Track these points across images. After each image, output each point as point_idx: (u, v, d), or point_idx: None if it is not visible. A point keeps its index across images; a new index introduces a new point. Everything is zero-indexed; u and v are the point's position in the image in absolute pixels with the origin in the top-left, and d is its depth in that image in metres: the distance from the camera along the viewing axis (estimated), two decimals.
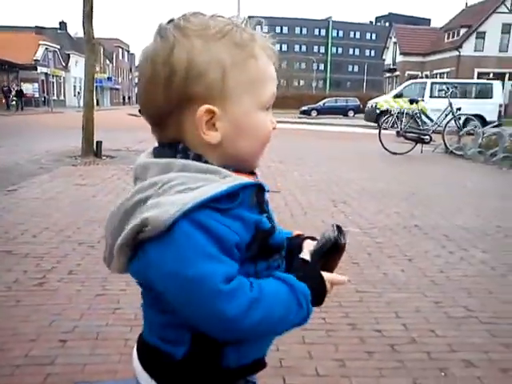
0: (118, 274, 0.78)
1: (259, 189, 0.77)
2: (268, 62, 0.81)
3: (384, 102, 19.66)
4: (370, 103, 20.38)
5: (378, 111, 19.32)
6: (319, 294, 0.79)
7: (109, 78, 62.68)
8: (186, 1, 50.12)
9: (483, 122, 13.67)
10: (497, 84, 19.01)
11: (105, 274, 2.76)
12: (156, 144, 0.80)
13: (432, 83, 18.91)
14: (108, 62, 63.90)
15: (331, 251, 0.82)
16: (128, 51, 76.48)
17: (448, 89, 12.01)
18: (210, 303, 0.66)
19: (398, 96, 19.26)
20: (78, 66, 48.76)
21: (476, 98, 17.70)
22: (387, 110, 17.87)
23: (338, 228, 0.83)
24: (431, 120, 10.95)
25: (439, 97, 16.53)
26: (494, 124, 10.44)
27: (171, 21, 0.75)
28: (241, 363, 0.79)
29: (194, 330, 0.73)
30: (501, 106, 17.69)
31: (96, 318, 2.21)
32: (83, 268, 2.86)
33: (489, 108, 16.82)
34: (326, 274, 0.81)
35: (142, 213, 0.68)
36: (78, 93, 47.63)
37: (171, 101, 0.72)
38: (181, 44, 0.72)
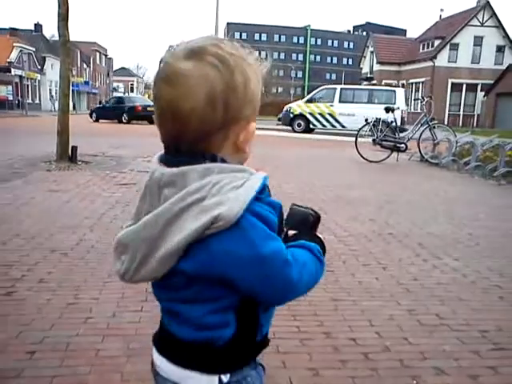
0: (147, 281, 0.84)
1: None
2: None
3: (297, 106, 21.06)
4: (286, 107, 21.74)
5: (291, 115, 20.80)
6: (323, 248, 0.97)
7: (86, 82, 61.93)
8: (163, 8, 49.90)
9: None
10: (399, 90, 20.66)
11: (77, 282, 2.71)
12: (159, 152, 0.90)
13: (341, 89, 20.75)
14: (85, 65, 63.17)
15: (315, 223, 1.01)
16: (106, 55, 75.73)
17: (423, 98, 12.22)
18: (282, 272, 0.81)
19: (310, 101, 20.75)
20: (53, 69, 48.03)
21: (381, 103, 18.44)
22: (300, 114, 20.40)
23: (300, 206, 1.03)
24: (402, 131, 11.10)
25: (347, 102, 19.65)
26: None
27: (214, 45, 0.83)
28: (262, 336, 0.90)
29: (237, 311, 0.84)
30: (403, 111, 19.18)
31: (66, 328, 2.16)
32: (55, 276, 2.80)
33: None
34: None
35: (205, 212, 0.76)
36: (52, 96, 46.86)
37: (226, 120, 0.81)
38: (238, 70, 0.83)
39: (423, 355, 2.09)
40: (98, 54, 69.89)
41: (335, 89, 20.83)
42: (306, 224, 1.01)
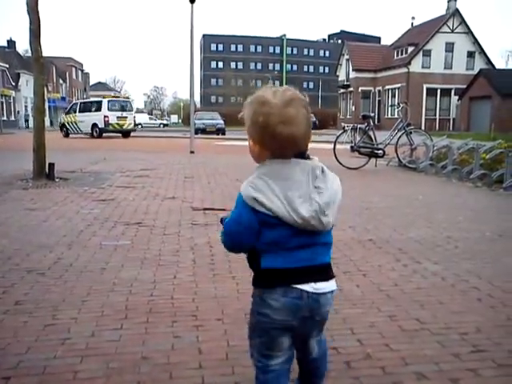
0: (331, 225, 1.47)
1: None
2: None
3: (62, 117, 28.48)
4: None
5: (60, 124, 28.47)
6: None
7: (62, 98, 61.39)
8: (137, 20, 49.86)
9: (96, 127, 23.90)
10: (105, 100, 25.17)
11: (55, 302, 2.66)
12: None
13: (80, 103, 27.71)
14: (61, 81, 62.65)
15: None
16: (82, 70, 75.28)
17: (399, 104, 12.40)
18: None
19: (68, 113, 27.07)
20: (28, 85, 47.47)
21: (95, 111, 24.66)
22: (63, 123, 27.18)
23: None
24: None
25: (83, 111, 25.31)
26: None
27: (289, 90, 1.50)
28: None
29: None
30: (105, 116, 24.01)
31: (43, 351, 2.11)
32: (31, 297, 2.75)
33: (99, 118, 23.90)
34: None
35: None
36: (28, 115, 46.27)
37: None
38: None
39: (404, 361, 2.10)
40: (73, 69, 69.42)
41: (77, 103, 27.96)
42: None
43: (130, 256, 3.62)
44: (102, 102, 24.70)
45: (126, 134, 24.68)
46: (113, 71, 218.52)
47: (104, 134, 24.31)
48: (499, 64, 49.44)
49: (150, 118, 70.32)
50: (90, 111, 24.81)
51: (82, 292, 2.83)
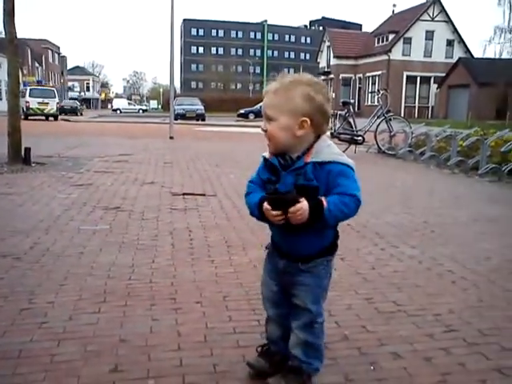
0: None
1: (266, 161, 1.67)
2: None
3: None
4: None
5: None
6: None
7: (38, 82, 60.03)
8: (116, 4, 48.95)
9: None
10: (28, 89, 28.15)
11: (31, 286, 2.63)
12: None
13: (25, 89, 27.56)
14: (37, 64, 61.22)
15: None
16: (59, 53, 73.62)
17: (379, 91, 12.46)
18: None
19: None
20: (2, 67, 46.31)
21: (22, 97, 23.74)
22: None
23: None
24: None
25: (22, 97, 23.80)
26: None
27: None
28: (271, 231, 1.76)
29: None
30: (57, 103, 28.83)
31: (19, 335, 2.09)
32: (7, 282, 2.71)
33: (23, 103, 23.35)
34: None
35: None
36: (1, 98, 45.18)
37: None
38: None
39: (380, 341, 2.14)
40: (50, 52, 67.84)
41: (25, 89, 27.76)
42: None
43: (108, 240, 3.59)
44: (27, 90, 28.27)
45: (48, 117, 27.74)
46: (91, 55, 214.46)
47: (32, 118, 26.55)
48: (478, 53, 50.02)
49: (129, 103, 69.53)
50: (23, 97, 26.11)
51: (59, 276, 2.80)
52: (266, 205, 1.55)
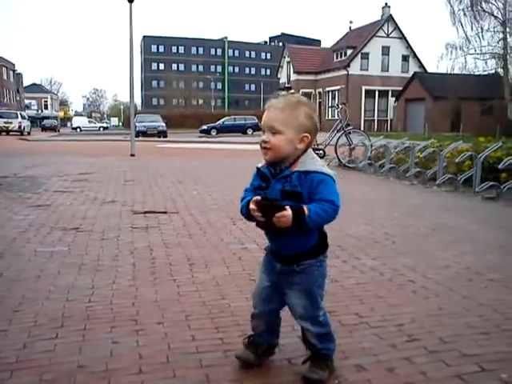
0: None
1: (258, 171, 1.89)
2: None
3: None
4: None
5: None
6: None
7: None
8: (74, 21, 48.46)
9: None
10: None
11: None
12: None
13: None
14: None
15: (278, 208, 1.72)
16: (14, 70, 71.79)
17: (338, 105, 12.70)
18: None
19: None
20: None
21: None
22: None
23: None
24: None
25: None
26: None
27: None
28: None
29: None
30: (19, 122, 35.22)
31: None
32: None
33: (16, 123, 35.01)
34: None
35: None
36: None
37: None
38: None
39: (344, 354, 2.14)
40: (4, 68, 66.01)
41: None
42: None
43: (67, 262, 3.48)
44: None
45: (9, 132, 34.76)
46: (49, 72, 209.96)
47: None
48: (432, 68, 51.83)
49: (89, 121, 68.28)
50: None
51: (14, 302, 2.69)
52: (252, 205, 1.74)
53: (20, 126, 35.74)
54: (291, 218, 1.70)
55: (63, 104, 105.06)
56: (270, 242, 1.96)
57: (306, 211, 1.71)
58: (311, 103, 1.90)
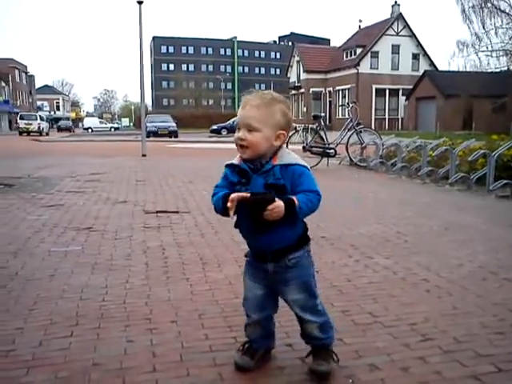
0: None
1: (235, 167, 1.85)
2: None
3: None
4: None
5: None
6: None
7: (5, 102, 59.02)
8: (85, 23, 48.93)
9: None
10: (19, 114, 41.14)
11: None
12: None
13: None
14: (3, 83, 60.19)
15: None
16: (26, 72, 72.56)
17: (349, 104, 12.64)
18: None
19: None
20: None
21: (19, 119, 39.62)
22: None
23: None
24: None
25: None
26: None
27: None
28: (242, 237, 1.96)
29: None
30: (16, 122, 40.14)
31: None
32: None
33: (36, 124, 39.66)
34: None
35: None
36: None
37: None
38: None
39: (358, 354, 2.14)
40: (16, 71, 66.78)
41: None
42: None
43: (80, 262, 3.51)
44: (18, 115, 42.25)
45: (29, 133, 38.22)
46: (60, 74, 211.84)
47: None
48: (443, 66, 51.49)
49: (100, 121, 68.72)
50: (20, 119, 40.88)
51: (29, 301, 2.72)
52: (230, 204, 1.73)
53: (39, 127, 39.34)
54: (283, 209, 1.72)
55: (74, 105, 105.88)
56: (252, 242, 1.92)
57: (296, 202, 1.74)
58: (285, 100, 1.89)
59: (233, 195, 1.74)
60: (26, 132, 38.39)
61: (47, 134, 39.70)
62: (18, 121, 40.33)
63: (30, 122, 39.50)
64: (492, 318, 2.54)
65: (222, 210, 1.81)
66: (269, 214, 1.71)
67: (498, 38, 30.95)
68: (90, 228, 4.59)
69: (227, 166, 1.88)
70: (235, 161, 1.87)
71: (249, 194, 1.73)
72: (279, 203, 1.71)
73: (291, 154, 1.87)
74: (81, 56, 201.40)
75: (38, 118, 40.94)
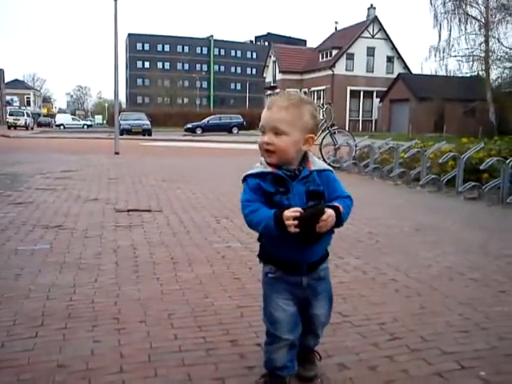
0: None
1: (267, 175, 1.67)
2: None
3: None
4: None
5: None
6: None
7: None
8: (58, 17, 48.36)
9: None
10: (8, 110, 45.08)
11: None
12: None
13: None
14: None
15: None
16: None
17: (323, 105, 12.73)
18: (241, 206, 1.68)
19: None
20: None
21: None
22: None
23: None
24: None
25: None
26: None
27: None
28: (271, 251, 1.78)
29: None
30: (6, 117, 44.65)
31: None
32: None
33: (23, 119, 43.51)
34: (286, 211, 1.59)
35: None
36: None
37: None
38: None
39: (327, 353, 2.14)
40: None
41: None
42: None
43: (48, 260, 3.44)
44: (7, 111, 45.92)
45: (16, 127, 41.89)
46: (32, 68, 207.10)
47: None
48: (417, 69, 52.39)
49: (73, 118, 67.56)
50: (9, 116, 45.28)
51: None
52: (291, 221, 1.56)
53: (26, 122, 43.83)
54: (335, 219, 1.62)
55: (46, 101, 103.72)
56: (289, 256, 1.73)
57: (341, 209, 1.66)
58: (313, 101, 1.79)
59: (288, 214, 1.56)
60: (13, 126, 42.28)
61: (32, 129, 44.16)
62: (8, 116, 45.33)
63: (18, 117, 44.18)
64: (458, 317, 2.59)
65: (274, 228, 1.59)
66: (323, 226, 1.59)
67: (467, 44, 31.68)
68: (60, 226, 4.50)
69: (251, 176, 1.69)
70: (261, 168, 1.69)
71: (299, 209, 1.58)
72: (331, 213, 1.61)
73: (319, 159, 1.80)
74: (54, 51, 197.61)
75: (25, 114, 46.07)
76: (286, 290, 1.76)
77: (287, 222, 1.55)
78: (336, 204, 1.66)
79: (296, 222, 1.55)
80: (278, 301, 1.76)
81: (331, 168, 1.77)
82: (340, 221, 1.65)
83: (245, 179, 1.70)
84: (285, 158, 1.68)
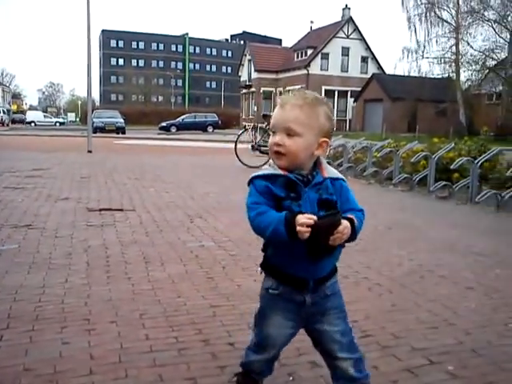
0: None
1: (277, 178, 1.52)
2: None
3: None
4: None
5: None
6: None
7: None
8: (29, 11, 47.57)
9: None
10: None
11: None
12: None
13: None
14: None
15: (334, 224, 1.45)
16: None
17: None
18: (247, 210, 1.51)
19: None
20: None
21: None
22: None
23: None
24: None
25: None
26: None
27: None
28: (276, 263, 1.62)
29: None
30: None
31: None
32: None
33: None
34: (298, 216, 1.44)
35: None
36: None
37: None
38: None
39: (299, 351, 2.15)
40: None
41: None
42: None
43: (16, 261, 3.36)
44: None
45: None
46: (0, 64, 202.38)
47: None
48: (390, 70, 53.16)
49: (44, 115, 66.22)
50: None
51: None
52: (304, 228, 1.41)
53: (1, 119, 45.73)
54: (350, 231, 1.48)
55: (16, 97, 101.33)
56: (296, 270, 1.58)
57: (356, 221, 1.53)
58: (328, 102, 1.61)
59: (302, 220, 1.41)
60: None
61: (8, 125, 45.17)
62: None
63: None
64: (427, 314, 2.63)
65: (284, 233, 1.43)
66: (338, 238, 1.45)
67: (439, 46, 32.33)
68: (29, 225, 4.41)
69: (260, 177, 1.53)
70: (271, 170, 1.54)
71: (314, 217, 1.43)
72: (348, 225, 1.47)
73: (331, 166, 1.65)
74: (24, 46, 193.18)
75: (1, 111, 48.42)
76: (286, 308, 1.63)
77: (300, 229, 1.40)
78: (350, 216, 1.52)
79: (309, 229, 1.41)
80: (276, 319, 1.65)
81: (344, 177, 1.63)
82: (354, 234, 1.51)
83: (251, 181, 1.54)
84: (295, 162, 1.52)
